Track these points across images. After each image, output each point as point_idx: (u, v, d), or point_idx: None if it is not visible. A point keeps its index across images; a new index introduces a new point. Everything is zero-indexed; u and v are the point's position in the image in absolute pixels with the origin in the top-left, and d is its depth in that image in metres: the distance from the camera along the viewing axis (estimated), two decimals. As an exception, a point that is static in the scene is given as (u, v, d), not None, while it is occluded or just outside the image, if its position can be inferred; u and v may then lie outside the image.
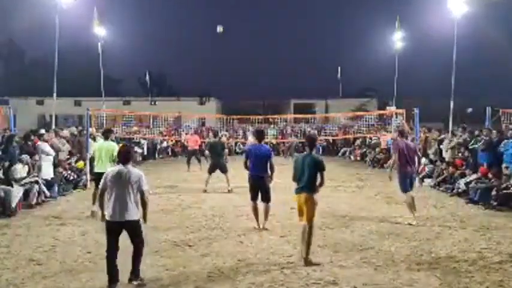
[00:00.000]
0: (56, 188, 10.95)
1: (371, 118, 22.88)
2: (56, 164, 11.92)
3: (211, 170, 11.98)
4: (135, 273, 5.27)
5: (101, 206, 5.49)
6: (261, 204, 7.91)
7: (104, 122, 19.62)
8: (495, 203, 9.61)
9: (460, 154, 13.14)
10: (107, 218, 5.28)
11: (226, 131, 22.86)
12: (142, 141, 21.67)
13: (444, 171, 12.70)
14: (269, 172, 7.87)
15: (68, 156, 13.36)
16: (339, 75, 42.55)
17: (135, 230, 5.29)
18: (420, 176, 13.27)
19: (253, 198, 7.97)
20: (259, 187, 7.88)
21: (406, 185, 8.50)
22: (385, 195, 11.25)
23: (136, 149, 19.96)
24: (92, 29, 21.82)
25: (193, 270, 5.83)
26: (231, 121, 25.90)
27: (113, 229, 5.25)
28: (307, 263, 6.00)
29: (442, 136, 15.23)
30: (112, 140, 9.01)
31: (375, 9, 76.90)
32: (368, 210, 9.38)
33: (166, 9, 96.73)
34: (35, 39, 45.74)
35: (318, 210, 8.96)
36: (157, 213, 9.06)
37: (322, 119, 31.14)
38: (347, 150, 22.87)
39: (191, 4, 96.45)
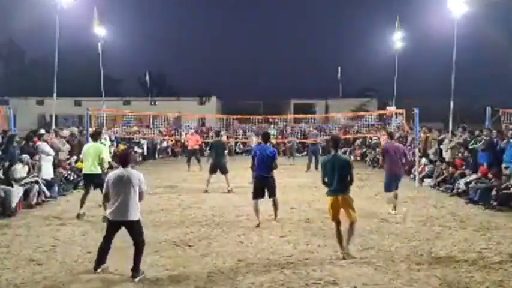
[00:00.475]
0: (56, 188, 10.97)
1: (371, 118, 22.92)
2: (56, 164, 11.93)
3: (212, 170, 11.97)
4: (136, 269, 5.50)
5: (105, 208, 5.88)
6: (268, 201, 8.33)
7: (104, 122, 19.65)
8: (495, 203, 9.61)
9: (460, 154, 13.12)
10: (109, 217, 5.64)
11: (226, 130, 22.87)
12: (142, 141, 21.69)
13: (444, 171, 12.69)
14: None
15: (68, 156, 13.37)
16: (339, 75, 42.45)
17: (135, 230, 5.60)
18: (420, 176, 13.29)
19: (256, 197, 8.17)
20: (266, 186, 8.22)
21: (391, 185, 9.19)
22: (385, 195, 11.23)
23: (136, 149, 19.99)
24: (92, 29, 21.85)
25: (193, 270, 5.84)
26: (231, 121, 25.90)
27: (114, 226, 5.64)
28: (349, 256, 6.23)
29: (442, 136, 15.21)
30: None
31: (375, 9, 76.72)
32: (368, 210, 9.38)
33: (166, 9, 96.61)
34: (35, 39, 45.65)
35: (319, 210, 9.04)
36: (157, 213, 9.07)
37: (322, 119, 31.07)
38: (347, 150, 22.83)
39: (191, 4, 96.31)
